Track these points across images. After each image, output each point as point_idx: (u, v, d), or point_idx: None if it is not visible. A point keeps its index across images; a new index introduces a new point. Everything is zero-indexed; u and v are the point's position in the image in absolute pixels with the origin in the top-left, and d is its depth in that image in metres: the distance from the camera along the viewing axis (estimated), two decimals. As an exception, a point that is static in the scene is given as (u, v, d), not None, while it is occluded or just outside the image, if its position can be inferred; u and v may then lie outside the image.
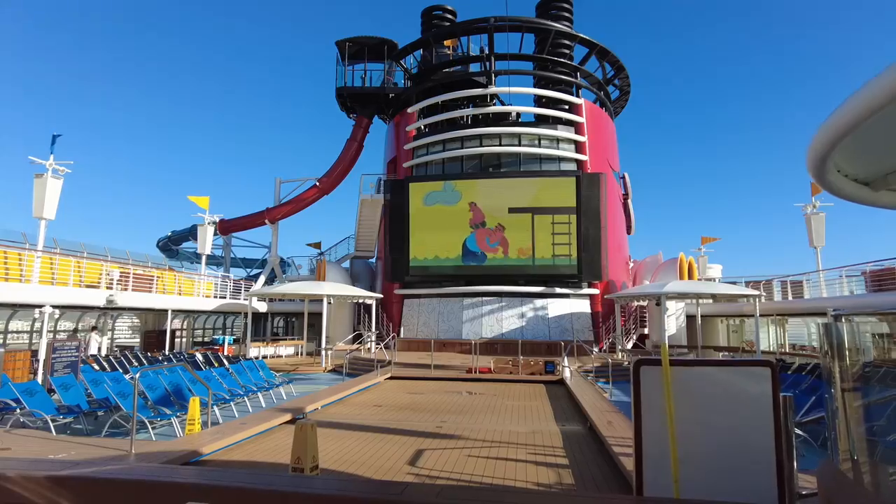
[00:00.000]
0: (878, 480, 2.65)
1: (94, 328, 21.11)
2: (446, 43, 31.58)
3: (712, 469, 3.13)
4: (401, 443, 8.52)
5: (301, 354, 26.12)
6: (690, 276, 25.05)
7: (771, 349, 23.79)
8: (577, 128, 27.75)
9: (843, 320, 3.15)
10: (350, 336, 26.69)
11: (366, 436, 9.01)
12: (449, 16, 32.98)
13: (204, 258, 30.46)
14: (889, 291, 17.78)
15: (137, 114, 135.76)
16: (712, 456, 3.14)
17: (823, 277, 22.73)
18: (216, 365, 16.59)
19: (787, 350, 23.51)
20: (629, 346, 25.33)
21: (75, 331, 21.49)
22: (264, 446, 8.28)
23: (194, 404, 8.89)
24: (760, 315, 22.16)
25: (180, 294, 24.44)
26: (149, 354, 19.54)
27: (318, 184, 32.87)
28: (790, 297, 23.52)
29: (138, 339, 26.09)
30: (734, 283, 27.57)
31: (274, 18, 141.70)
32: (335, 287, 24.42)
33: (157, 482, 3.10)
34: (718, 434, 3.17)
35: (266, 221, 32.95)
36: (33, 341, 19.67)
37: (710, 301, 25.57)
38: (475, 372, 17.01)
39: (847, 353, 3.05)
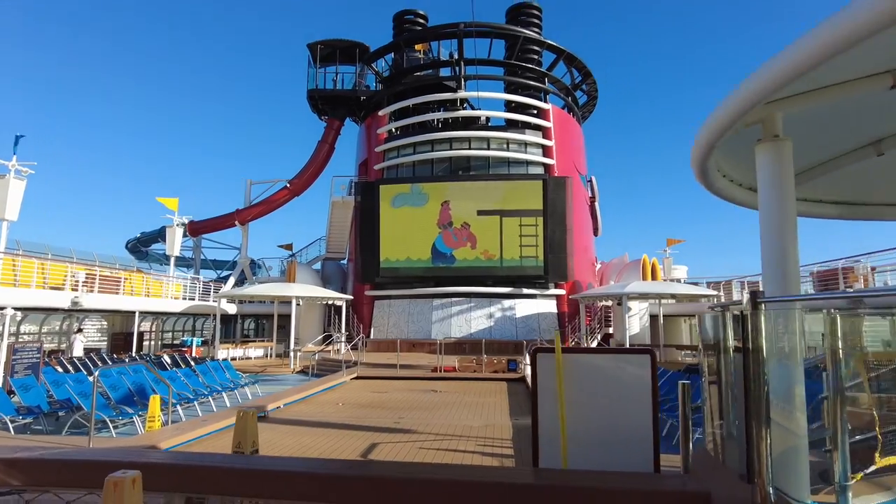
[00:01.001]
0: (727, 454, 3.10)
1: (79, 330, 20.94)
2: (417, 47, 31.92)
3: (598, 443, 3.56)
4: (357, 437, 8.85)
5: (270, 356, 26.20)
6: (654, 277, 25.86)
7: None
8: (545, 132, 28.36)
9: (710, 314, 3.61)
10: (319, 337, 26.86)
11: (324, 431, 9.31)
12: (420, 20, 33.34)
13: (173, 260, 30.29)
14: (833, 290, 18.72)
15: (109, 116, 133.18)
16: (598, 432, 3.57)
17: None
18: (183, 366, 16.67)
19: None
20: (593, 345, 26.00)
21: (79, 330, 21.15)
22: (223, 442, 8.52)
23: (154, 402, 9.10)
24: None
25: (148, 296, 24.32)
26: (114, 356, 19.47)
27: (288, 185, 32.93)
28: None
29: (106, 342, 25.86)
30: (697, 283, 28.51)
31: (245, 19, 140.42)
32: (304, 289, 24.59)
33: (103, 461, 3.40)
34: (604, 413, 3.60)
35: (236, 223, 32.87)
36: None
37: (672, 301, 26.39)
38: (440, 371, 17.41)
39: (709, 346, 3.51)
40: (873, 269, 19.02)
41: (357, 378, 17.04)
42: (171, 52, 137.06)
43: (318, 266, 32.55)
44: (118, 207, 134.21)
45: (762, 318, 2.78)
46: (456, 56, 29.14)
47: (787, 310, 3.53)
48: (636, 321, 26.27)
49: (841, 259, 20.43)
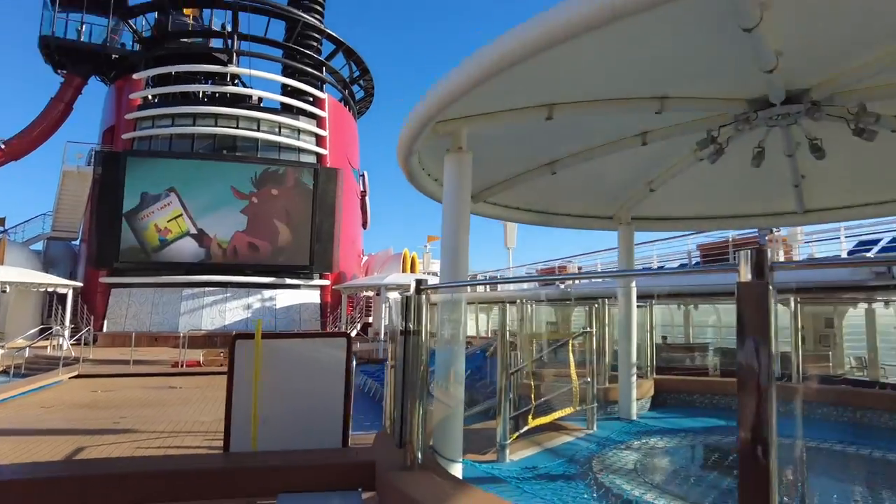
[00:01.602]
0: (394, 428, 3.58)
1: None
2: (186, 11, 28.99)
3: (292, 424, 3.83)
4: (63, 441, 7.88)
5: (-37, 353, 21.22)
6: (413, 270, 27.69)
7: (478, 333, 27.75)
8: (320, 122, 28.24)
9: (394, 302, 4.14)
10: (35, 330, 22.61)
11: (20, 439, 8.09)
12: (194, -18, 30.26)
13: None
14: (553, 285, 22.38)
15: None
16: (293, 413, 3.85)
17: (513, 273, 27.42)
18: None
19: (489, 334, 27.72)
20: (353, 334, 26.76)
21: None
22: None
23: None
24: (468, 303, 25.64)
25: None
26: None
27: (4, 146, 27.01)
28: (488, 290, 27.73)
29: None
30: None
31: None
32: (14, 272, 20.48)
33: None
34: (300, 395, 3.89)
35: (-80, 185, 25.84)
36: None
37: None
38: (182, 366, 16.18)
39: (393, 332, 4.01)
40: (580, 268, 23.19)
41: (78, 376, 14.94)
42: None
43: (38, 246, 27.46)
44: None
45: (424, 304, 3.26)
46: (230, 28, 27.24)
47: (451, 297, 4.21)
48: (394, 311, 27.82)
49: (559, 259, 24.59)
